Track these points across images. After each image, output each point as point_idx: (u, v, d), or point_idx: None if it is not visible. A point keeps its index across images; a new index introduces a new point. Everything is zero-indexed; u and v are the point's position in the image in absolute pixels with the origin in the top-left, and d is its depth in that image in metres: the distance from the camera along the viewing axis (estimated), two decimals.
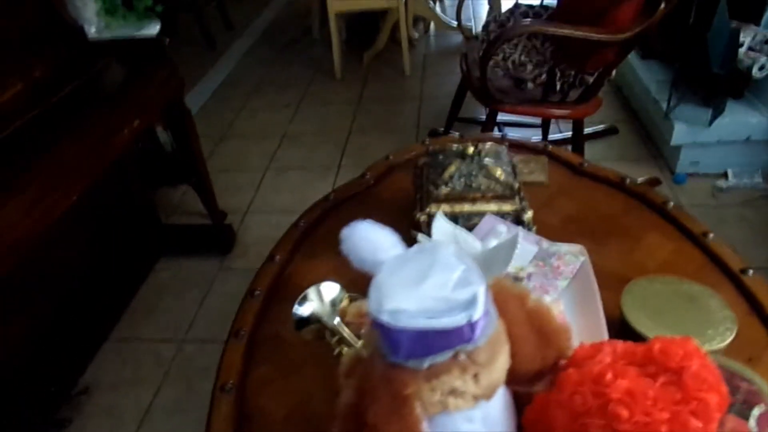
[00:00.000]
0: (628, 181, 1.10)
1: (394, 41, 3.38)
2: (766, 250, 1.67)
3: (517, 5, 2.00)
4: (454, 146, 0.98)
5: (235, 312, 1.66)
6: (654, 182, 1.92)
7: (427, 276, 0.42)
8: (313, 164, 2.33)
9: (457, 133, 1.31)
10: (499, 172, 0.92)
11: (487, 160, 0.94)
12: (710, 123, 1.85)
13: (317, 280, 1.00)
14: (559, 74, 1.60)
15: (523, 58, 1.77)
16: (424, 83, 2.94)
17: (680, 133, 1.90)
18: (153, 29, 1.72)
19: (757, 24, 1.87)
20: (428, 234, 0.94)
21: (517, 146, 1.28)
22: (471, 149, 0.95)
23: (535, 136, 2.22)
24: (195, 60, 3.40)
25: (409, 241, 0.94)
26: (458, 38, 3.50)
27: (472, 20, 3.75)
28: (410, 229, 0.96)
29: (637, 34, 1.47)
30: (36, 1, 1.36)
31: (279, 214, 2.08)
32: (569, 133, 2.20)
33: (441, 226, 0.77)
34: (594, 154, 2.07)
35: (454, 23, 3.52)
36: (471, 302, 0.41)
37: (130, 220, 1.84)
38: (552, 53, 1.81)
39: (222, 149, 2.54)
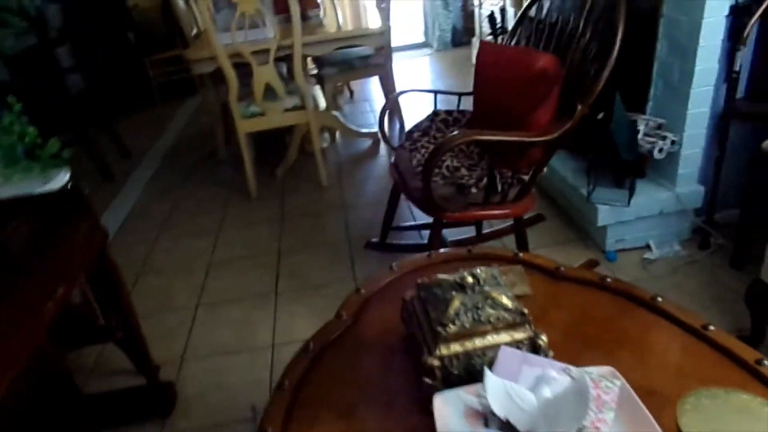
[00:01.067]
0: (609, 279, 1.11)
1: (303, 152, 3.40)
2: (708, 313, 1.76)
3: (435, 113, 2.09)
4: (449, 277, 0.92)
5: None
6: (593, 264, 2.00)
7: None
8: (247, 294, 2.17)
9: (427, 254, 1.26)
10: (504, 299, 0.88)
11: (488, 288, 0.89)
12: (629, 203, 1.99)
13: None
14: (498, 176, 1.65)
15: (455, 162, 1.83)
16: (344, 192, 2.93)
17: (604, 215, 2.02)
18: (62, 179, 1.55)
19: (643, 113, 2.10)
20: (441, 381, 0.85)
21: (487, 258, 1.27)
22: (470, 279, 0.90)
23: (465, 234, 2.26)
24: (93, 194, 3.15)
25: (423, 388, 0.85)
26: (365, 143, 3.61)
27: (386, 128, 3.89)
28: (422, 377, 0.87)
29: (562, 133, 1.57)
30: None
31: (220, 356, 1.87)
32: (498, 227, 2.27)
33: (492, 383, 0.69)
34: (528, 242, 2.13)
35: (360, 129, 3.65)
36: None
37: (39, 393, 1.55)
38: (479, 154, 1.88)
39: (140, 289, 2.29)
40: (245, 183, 3.02)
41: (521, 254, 1.24)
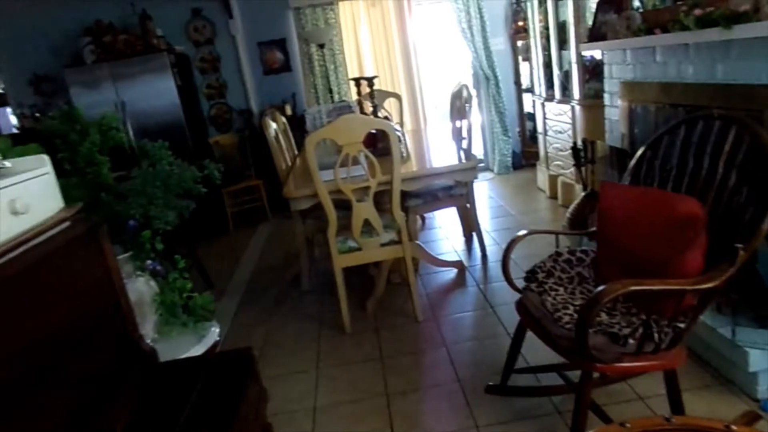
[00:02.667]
0: None
1: (389, 283, 3.38)
2: None
3: (558, 253, 2.06)
4: None
5: None
6: (753, 418, 1.81)
7: None
8: None
9: (619, 424, 1.16)
10: None
11: None
12: None
13: None
14: (654, 326, 1.56)
15: None
16: (441, 327, 2.85)
17: (756, 359, 1.87)
18: (213, 335, 1.55)
19: None
20: None
21: (694, 430, 1.15)
22: None
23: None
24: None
25: None
26: (448, 273, 3.57)
27: (472, 256, 3.88)
28: None
29: (725, 280, 1.50)
30: (112, 330, 1.17)
31: None
32: None
33: None
34: (662, 387, 1.97)
35: (442, 258, 3.64)
36: None
37: None
38: (615, 299, 1.81)
39: None
40: (336, 317, 2.97)
41: (735, 428, 1.11)
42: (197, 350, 1.44)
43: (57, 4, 5.16)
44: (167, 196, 1.47)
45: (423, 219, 4.71)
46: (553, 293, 1.90)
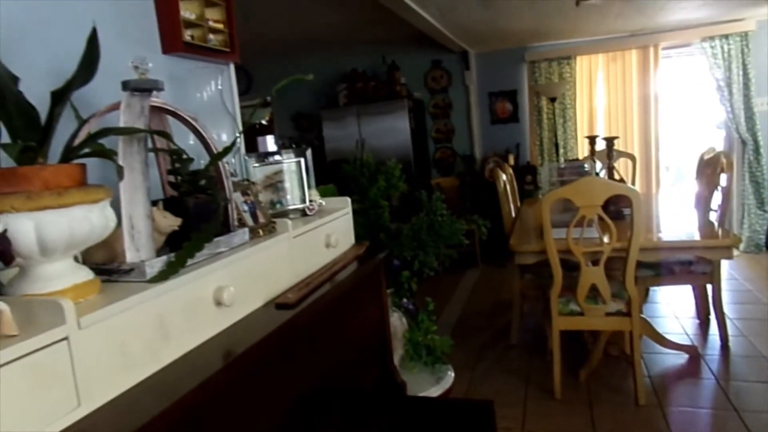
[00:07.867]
0: None
1: (605, 355, 3.13)
2: None
3: None
4: None
5: None
6: None
7: None
8: None
9: None
10: None
11: None
12: None
13: None
14: None
15: None
16: (669, 418, 2.53)
17: None
18: (449, 378, 1.62)
19: None
20: None
21: None
22: None
23: None
24: None
25: None
26: (677, 359, 3.17)
27: (709, 344, 3.45)
28: None
29: None
30: (376, 359, 1.30)
31: None
32: None
33: None
34: None
35: (675, 340, 3.25)
36: None
37: None
38: None
39: None
40: (545, 378, 2.86)
41: None
42: (434, 391, 1.51)
43: (324, 56, 6.05)
44: (437, 244, 1.61)
45: (646, 291, 4.28)
46: None
